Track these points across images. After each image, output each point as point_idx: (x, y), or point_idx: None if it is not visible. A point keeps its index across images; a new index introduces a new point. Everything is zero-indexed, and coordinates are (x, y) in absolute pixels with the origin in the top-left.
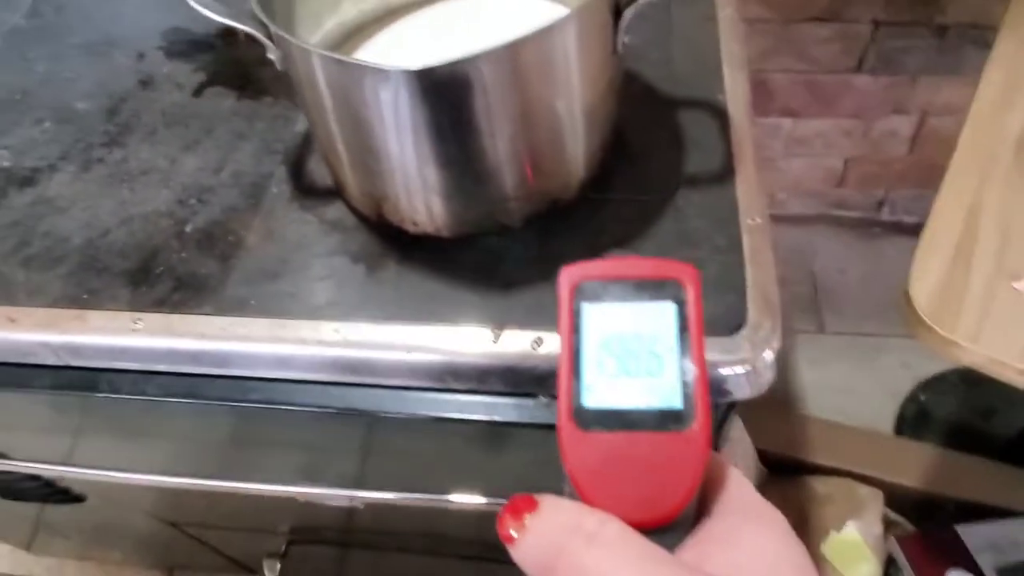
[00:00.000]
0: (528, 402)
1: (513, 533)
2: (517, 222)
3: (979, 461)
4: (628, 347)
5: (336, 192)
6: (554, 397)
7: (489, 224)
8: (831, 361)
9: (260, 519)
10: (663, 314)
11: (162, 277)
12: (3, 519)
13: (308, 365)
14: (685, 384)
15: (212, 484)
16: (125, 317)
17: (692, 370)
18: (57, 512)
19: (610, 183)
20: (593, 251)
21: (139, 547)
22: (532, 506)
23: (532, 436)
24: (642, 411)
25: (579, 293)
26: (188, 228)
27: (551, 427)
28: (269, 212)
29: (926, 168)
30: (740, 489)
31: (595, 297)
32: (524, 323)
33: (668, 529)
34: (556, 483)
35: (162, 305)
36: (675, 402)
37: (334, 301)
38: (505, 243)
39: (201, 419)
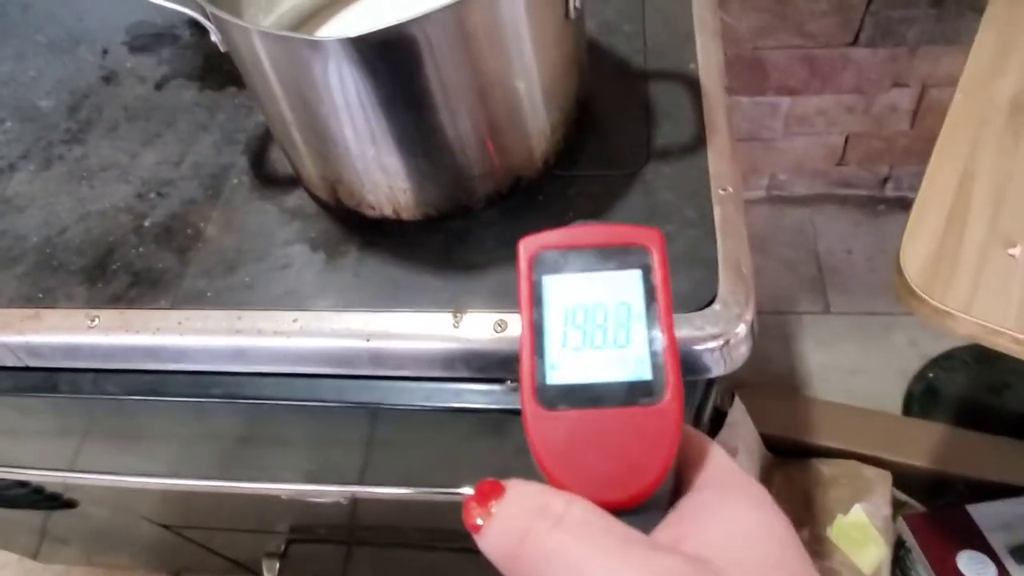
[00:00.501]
0: (495, 387)
1: (479, 522)
2: (479, 202)
3: (989, 438)
4: (593, 319)
5: (296, 179)
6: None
7: (449, 205)
8: (837, 342)
9: (257, 519)
10: (628, 282)
11: (118, 273)
12: (9, 528)
13: (267, 357)
14: (654, 354)
15: (194, 484)
16: (80, 315)
17: (661, 339)
18: (59, 519)
19: (577, 159)
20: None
21: (141, 551)
22: (498, 492)
23: (506, 422)
24: (610, 385)
25: (538, 265)
26: (146, 223)
27: (519, 413)
28: (228, 203)
29: (929, 142)
30: (718, 463)
31: (555, 268)
32: (487, 306)
33: (643, 509)
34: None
35: (118, 301)
36: (644, 374)
37: (292, 290)
38: (467, 224)
39: (178, 417)
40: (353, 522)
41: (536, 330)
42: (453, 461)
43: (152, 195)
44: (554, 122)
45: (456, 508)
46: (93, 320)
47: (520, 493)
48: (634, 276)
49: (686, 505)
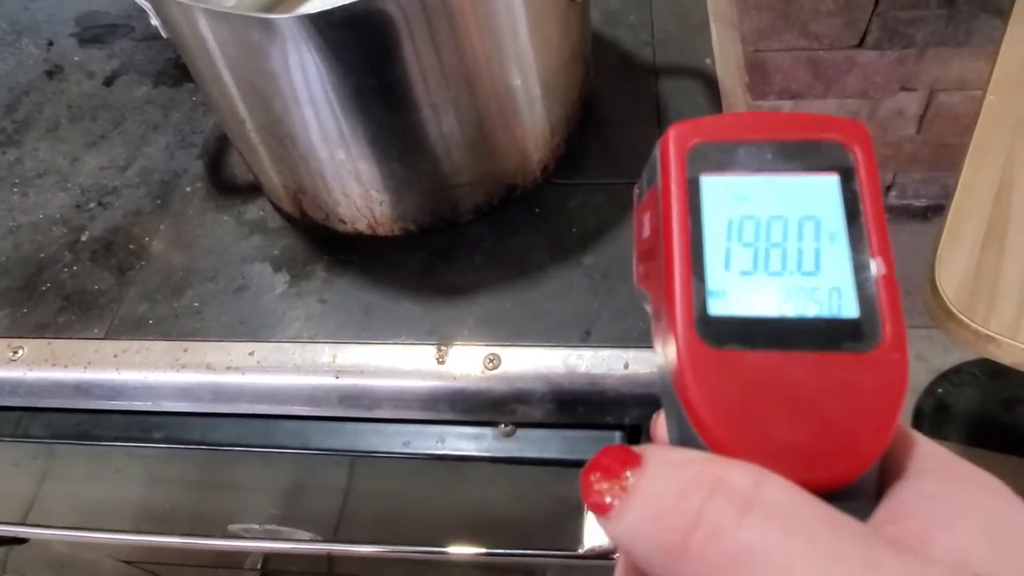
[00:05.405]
0: (486, 431)
1: (609, 499)
2: (466, 215)
3: (1003, 458)
4: (767, 235)
5: (257, 188)
6: (516, 425)
7: (432, 219)
8: None
9: (228, 555)
10: (819, 189)
11: (47, 296)
12: None
13: (218, 396)
14: (862, 285)
15: (146, 540)
16: (2, 345)
17: (873, 265)
18: (15, 553)
19: (579, 165)
20: (559, 247)
21: None
22: (634, 460)
23: (500, 472)
24: (799, 322)
25: (695, 160)
26: (83, 237)
27: (514, 461)
28: (179, 214)
29: (936, 148)
30: (929, 445)
31: (719, 166)
32: (475, 337)
33: (847, 496)
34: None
35: (45, 329)
36: (848, 309)
37: (249, 318)
38: (452, 241)
39: (119, 463)
40: (330, 556)
41: (693, 245)
42: (440, 514)
43: (92, 205)
44: (554, 122)
45: (444, 567)
46: (16, 352)
47: (673, 462)
48: (828, 182)
49: (905, 496)
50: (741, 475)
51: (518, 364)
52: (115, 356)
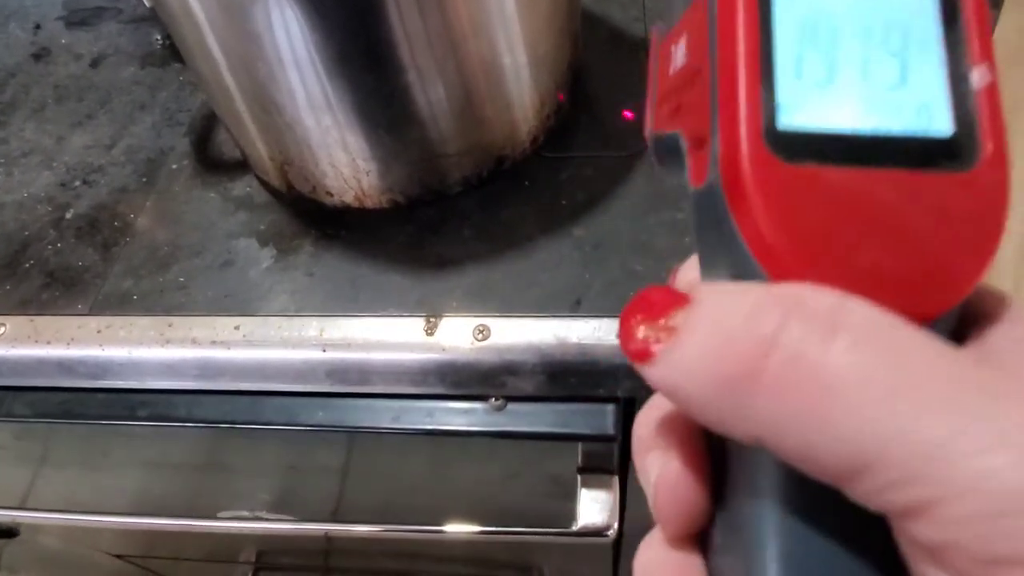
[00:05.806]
0: (476, 406)
1: (654, 342)
2: (455, 187)
3: None
4: (851, 42)
5: (244, 164)
6: (507, 399)
7: (420, 190)
8: None
9: (221, 548)
10: None
11: (31, 272)
12: None
13: (203, 371)
14: (958, 96)
15: (136, 522)
16: None
17: (974, 74)
18: (5, 548)
19: (569, 138)
20: (549, 220)
21: None
22: (682, 299)
23: (491, 446)
24: (886, 139)
25: None
26: (68, 215)
27: (505, 436)
28: (165, 191)
29: None
30: (1010, 299)
31: None
32: (465, 309)
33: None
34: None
35: (28, 306)
36: (943, 125)
37: (235, 292)
38: (441, 213)
39: (103, 444)
40: (326, 548)
41: (760, 49)
42: (433, 501)
43: (77, 183)
44: (543, 94)
45: (437, 545)
46: None
47: (732, 292)
48: None
49: (996, 338)
50: (821, 297)
51: (508, 335)
52: (99, 332)
